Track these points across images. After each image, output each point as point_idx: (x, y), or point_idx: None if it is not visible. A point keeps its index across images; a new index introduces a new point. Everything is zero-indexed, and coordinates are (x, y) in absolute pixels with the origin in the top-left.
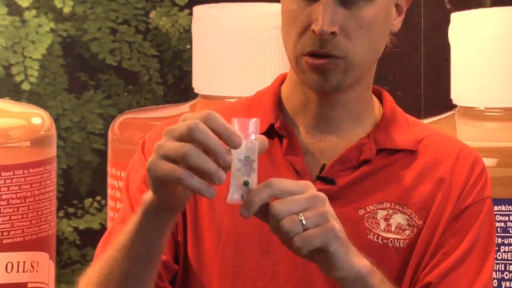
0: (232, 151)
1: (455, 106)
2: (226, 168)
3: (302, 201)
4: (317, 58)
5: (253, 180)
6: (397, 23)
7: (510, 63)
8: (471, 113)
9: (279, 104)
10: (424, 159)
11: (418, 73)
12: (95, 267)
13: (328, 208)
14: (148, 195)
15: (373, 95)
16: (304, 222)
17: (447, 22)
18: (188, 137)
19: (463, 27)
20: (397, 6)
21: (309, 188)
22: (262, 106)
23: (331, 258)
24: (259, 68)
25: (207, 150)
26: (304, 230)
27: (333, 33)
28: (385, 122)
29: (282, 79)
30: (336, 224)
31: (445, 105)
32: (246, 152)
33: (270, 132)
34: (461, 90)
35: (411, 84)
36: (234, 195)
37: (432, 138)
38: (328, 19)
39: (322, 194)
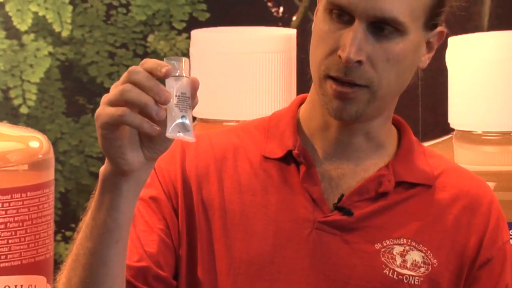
0: (168, 87)
1: (453, 130)
2: (164, 104)
3: None
4: (342, 85)
5: (189, 116)
6: (425, 59)
7: (507, 87)
8: (468, 137)
9: (297, 128)
10: (442, 195)
11: (416, 96)
12: (69, 255)
13: None
14: (103, 166)
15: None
16: None
17: (444, 46)
18: (127, 79)
19: (460, 51)
20: (428, 43)
21: None
22: (280, 129)
23: None
24: (258, 91)
25: (144, 89)
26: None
27: (359, 61)
28: (403, 153)
29: (300, 101)
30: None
31: (442, 129)
32: (182, 89)
33: (287, 158)
34: (458, 114)
35: (409, 108)
36: (173, 131)
37: (450, 173)
38: (356, 47)
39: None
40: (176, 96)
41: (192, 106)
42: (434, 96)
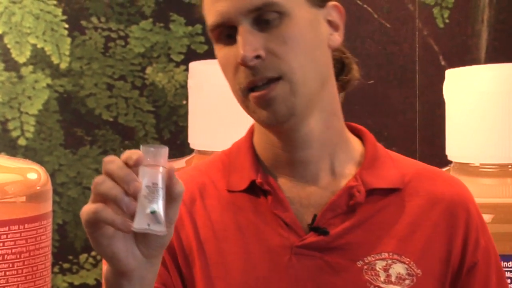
0: (140, 177)
1: (450, 162)
2: (134, 195)
3: None
4: (259, 90)
5: (160, 208)
6: (335, 38)
7: (504, 119)
8: (466, 169)
9: (255, 157)
10: (416, 202)
11: (413, 129)
12: None
13: None
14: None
15: (350, 133)
16: None
17: (441, 78)
18: (103, 169)
19: (457, 83)
20: (330, 22)
21: None
22: (240, 161)
23: None
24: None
25: (115, 179)
26: None
27: (258, 56)
28: (369, 161)
29: (253, 129)
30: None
31: (440, 161)
32: (153, 179)
33: (253, 188)
34: (456, 146)
35: (406, 140)
36: (141, 223)
37: (421, 177)
38: (247, 45)
39: None
40: (146, 186)
41: (172, 197)
42: (431, 128)
